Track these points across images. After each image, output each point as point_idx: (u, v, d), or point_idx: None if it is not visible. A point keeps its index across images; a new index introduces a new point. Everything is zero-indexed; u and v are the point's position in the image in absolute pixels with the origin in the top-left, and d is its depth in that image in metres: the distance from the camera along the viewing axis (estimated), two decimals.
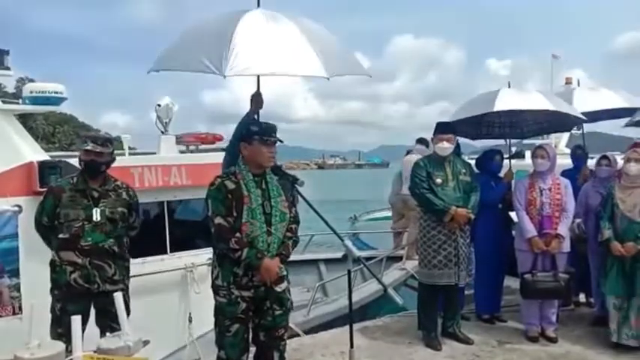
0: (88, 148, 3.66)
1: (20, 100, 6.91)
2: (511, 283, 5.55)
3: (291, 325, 5.89)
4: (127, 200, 3.87)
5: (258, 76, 3.70)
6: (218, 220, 3.10)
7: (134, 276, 5.36)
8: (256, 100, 3.77)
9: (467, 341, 4.70)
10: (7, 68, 6.85)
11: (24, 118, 6.84)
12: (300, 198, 3.67)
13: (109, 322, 3.48)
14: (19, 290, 4.80)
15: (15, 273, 4.77)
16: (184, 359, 5.54)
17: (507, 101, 4.90)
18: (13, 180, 4.78)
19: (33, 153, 5.77)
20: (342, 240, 3.59)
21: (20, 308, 4.77)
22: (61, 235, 3.66)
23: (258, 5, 3.68)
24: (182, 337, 5.66)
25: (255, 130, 3.23)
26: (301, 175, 3.67)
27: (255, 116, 3.73)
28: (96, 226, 3.67)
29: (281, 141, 3.27)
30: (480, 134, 5.76)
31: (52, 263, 3.75)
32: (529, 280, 4.67)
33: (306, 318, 6.50)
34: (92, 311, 3.75)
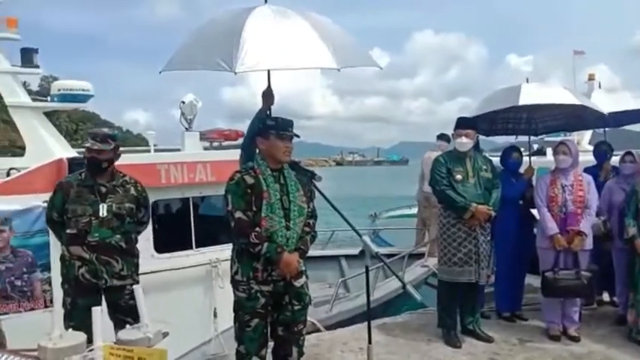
0: (88, 145, 3.69)
1: (48, 98, 7.07)
2: (532, 281, 5.48)
3: (313, 321, 5.96)
4: (135, 196, 3.86)
5: (269, 72, 3.72)
6: (238, 214, 3.11)
7: (160, 271, 5.49)
8: (267, 96, 3.78)
9: (487, 339, 4.66)
10: (37, 66, 7.02)
11: (49, 116, 7.00)
12: (318, 194, 3.68)
13: (120, 316, 3.53)
14: (50, 284, 4.90)
15: (46, 267, 4.88)
16: (210, 353, 5.60)
17: (533, 95, 4.84)
18: (43, 176, 4.88)
19: (62, 150, 5.91)
20: (360, 236, 3.59)
21: (52, 301, 4.87)
22: (69, 231, 3.69)
23: (266, 1, 3.69)
24: (207, 331, 5.73)
25: (271, 125, 3.25)
26: (319, 171, 3.68)
27: (268, 112, 3.74)
28: (102, 222, 3.67)
29: (297, 135, 3.28)
30: (494, 130, 5.70)
31: (62, 258, 3.79)
32: (551, 278, 4.60)
33: (328, 314, 6.53)
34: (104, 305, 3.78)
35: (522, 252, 5.12)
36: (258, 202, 3.11)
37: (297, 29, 3.50)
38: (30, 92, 7.33)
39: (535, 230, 5.06)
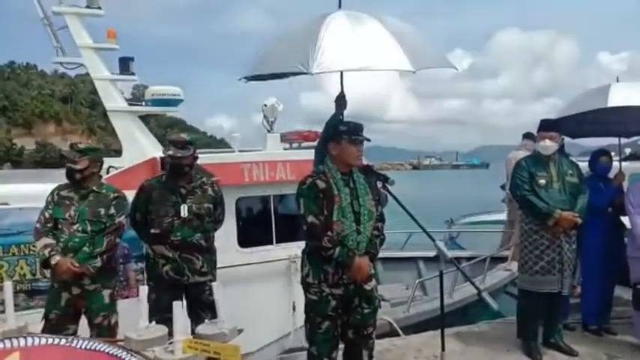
0: (170, 153, 3.88)
1: (143, 103, 7.61)
2: (623, 293, 5.16)
3: (390, 320, 5.95)
4: (212, 196, 4.04)
5: (342, 76, 3.76)
6: (311, 218, 3.16)
7: (243, 264, 5.70)
8: (340, 101, 3.83)
9: (571, 353, 4.43)
10: (132, 74, 7.57)
11: (142, 120, 7.51)
12: (391, 198, 3.67)
13: (199, 311, 3.69)
14: (143, 274, 5.21)
15: (141, 258, 5.19)
16: (288, 346, 5.73)
17: (623, 96, 4.56)
18: (139, 174, 5.16)
19: (154, 150, 6.33)
20: (434, 240, 3.53)
21: None
22: (153, 230, 3.90)
23: (340, 6, 3.73)
24: (286, 324, 5.87)
25: (343, 130, 3.28)
26: (395, 175, 3.66)
27: (341, 117, 3.78)
28: (184, 222, 3.86)
29: (368, 139, 3.29)
30: (581, 132, 5.40)
31: (147, 256, 4.03)
32: None
33: (405, 314, 6.50)
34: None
35: (611, 262, 4.84)
36: (330, 206, 3.15)
37: (371, 32, 3.52)
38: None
39: (626, 239, 4.75)
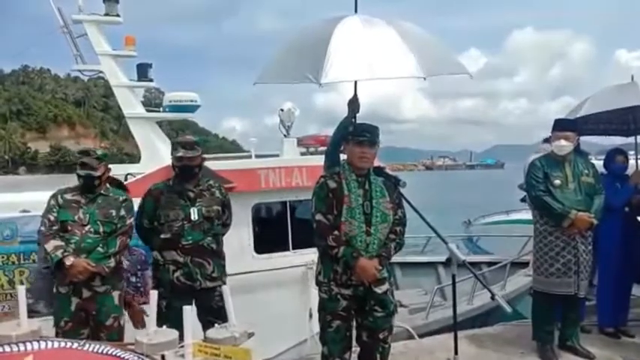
0: (180, 154, 3.84)
1: (160, 109, 7.68)
2: None
3: (407, 327, 5.90)
4: (220, 199, 4.00)
5: (355, 83, 3.74)
6: (319, 216, 3.19)
7: (260, 271, 5.69)
8: (352, 104, 3.81)
9: (587, 356, 4.35)
10: (151, 80, 7.64)
11: (158, 125, 7.58)
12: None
13: (210, 318, 3.65)
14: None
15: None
16: (305, 353, 5.72)
17: None
18: (155, 180, 5.21)
19: None
20: (447, 243, 3.49)
21: None
22: (162, 235, 3.84)
23: (356, 10, 3.70)
24: (303, 331, 5.85)
25: (350, 131, 3.36)
26: (408, 176, 3.63)
27: (353, 120, 3.77)
28: (194, 225, 3.82)
29: (373, 141, 3.28)
30: (595, 130, 5.36)
31: (156, 263, 3.95)
32: None
33: (424, 321, 6.44)
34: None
35: (628, 263, 4.77)
36: (339, 207, 3.16)
37: (383, 39, 3.50)
38: None
39: None
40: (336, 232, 3.14)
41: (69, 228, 3.67)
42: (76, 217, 3.69)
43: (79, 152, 3.84)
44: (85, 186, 3.77)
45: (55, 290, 3.72)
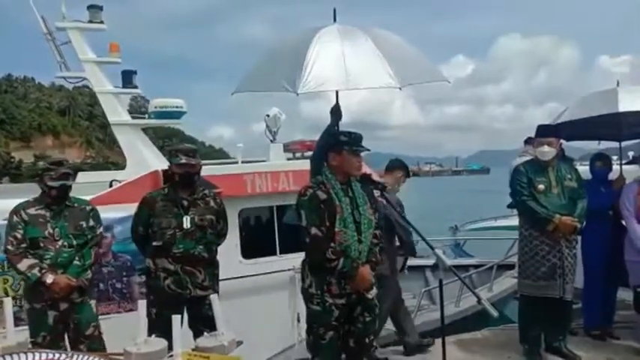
0: (183, 161, 3.82)
1: (146, 115, 7.65)
2: (626, 296, 5.12)
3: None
4: (215, 208, 3.98)
5: (337, 92, 3.78)
6: (314, 230, 3.13)
7: (247, 276, 5.67)
8: (335, 112, 3.84)
9: (573, 358, 4.40)
10: (135, 87, 7.62)
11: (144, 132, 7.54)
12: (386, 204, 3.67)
13: (200, 327, 3.63)
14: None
15: (144, 271, 5.18)
16: (293, 357, 5.71)
17: (632, 100, 4.61)
18: (142, 186, 5.16)
19: (158, 162, 6.33)
20: (433, 249, 3.52)
21: None
22: (155, 243, 3.83)
23: (334, 20, 3.74)
24: (291, 336, 5.83)
25: (344, 141, 3.27)
26: None
27: (336, 127, 3.80)
28: (186, 234, 3.80)
29: (368, 150, 3.29)
30: (577, 135, 5.42)
31: (148, 270, 3.95)
32: None
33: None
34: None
35: (613, 266, 4.81)
36: (332, 217, 3.13)
37: (359, 49, 3.55)
38: None
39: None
40: (332, 245, 3.10)
41: (41, 244, 3.57)
42: (46, 233, 3.59)
43: (51, 163, 3.70)
44: (57, 197, 3.67)
45: (28, 306, 3.64)
